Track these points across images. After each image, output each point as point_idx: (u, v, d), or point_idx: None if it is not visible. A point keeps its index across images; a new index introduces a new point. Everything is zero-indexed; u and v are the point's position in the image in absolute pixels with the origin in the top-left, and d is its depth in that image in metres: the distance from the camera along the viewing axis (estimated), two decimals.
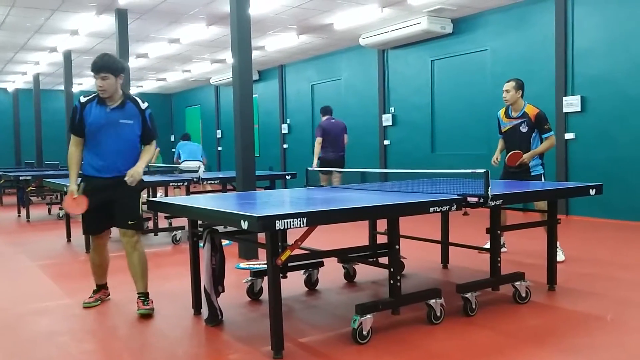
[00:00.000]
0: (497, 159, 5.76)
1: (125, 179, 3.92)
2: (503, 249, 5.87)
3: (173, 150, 14.38)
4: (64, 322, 3.98)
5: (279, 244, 3.23)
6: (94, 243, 4.26)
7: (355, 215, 3.28)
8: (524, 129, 5.53)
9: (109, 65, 3.97)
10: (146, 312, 3.98)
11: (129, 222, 4.04)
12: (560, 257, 5.34)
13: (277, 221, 2.83)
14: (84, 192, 4.05)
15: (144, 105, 4.15)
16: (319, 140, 9.07)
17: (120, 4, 9.19)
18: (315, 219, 3.03)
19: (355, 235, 5.30)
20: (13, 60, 14.44)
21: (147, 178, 7.73)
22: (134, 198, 4.06)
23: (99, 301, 4.34)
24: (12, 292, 4.94)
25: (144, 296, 4.10)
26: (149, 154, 4.14)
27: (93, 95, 4.08)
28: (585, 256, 5.76)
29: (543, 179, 5.60)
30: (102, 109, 4.02)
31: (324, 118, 9.40)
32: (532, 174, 5.55)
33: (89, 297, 4.33)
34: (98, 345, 3.56)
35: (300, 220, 2.92)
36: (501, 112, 5.80)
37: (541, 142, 5.53)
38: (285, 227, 2.87)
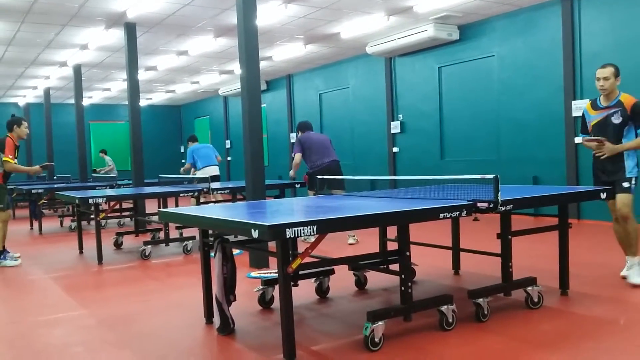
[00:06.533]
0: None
1: None
2: None
3: (183, 160, 14.45)
4: (77, 333, 4.00)
5: (290, 252, 3.24)
6: None
7: (365, 223, 3.28)
8: (616, 120, 4.63)
9: None
10: None
11: None
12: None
13: (287, 229, 2.85)
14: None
15: None
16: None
17: (129, 18, 9.29)
18: (325, 227, 3.04)
19: (365, 242, 5.30)
20: (24, 75, 14.61)
21: (158, 189, 7.77)
22: None
23: None
24: (25, 304, 4.98)
25: None
26: None
27: None
28: (598, 260, 5.72)
29: (634, 182, 4.76)
30: None
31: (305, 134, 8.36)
32: (626, 175, 4.71)
33: None
34: (111, 355, 3.58)
35: (310, 228, 2.93)
36: (587, 106, 4.91)
37: (636, 137, 4.66)
38: (296, 235, 2.88)
